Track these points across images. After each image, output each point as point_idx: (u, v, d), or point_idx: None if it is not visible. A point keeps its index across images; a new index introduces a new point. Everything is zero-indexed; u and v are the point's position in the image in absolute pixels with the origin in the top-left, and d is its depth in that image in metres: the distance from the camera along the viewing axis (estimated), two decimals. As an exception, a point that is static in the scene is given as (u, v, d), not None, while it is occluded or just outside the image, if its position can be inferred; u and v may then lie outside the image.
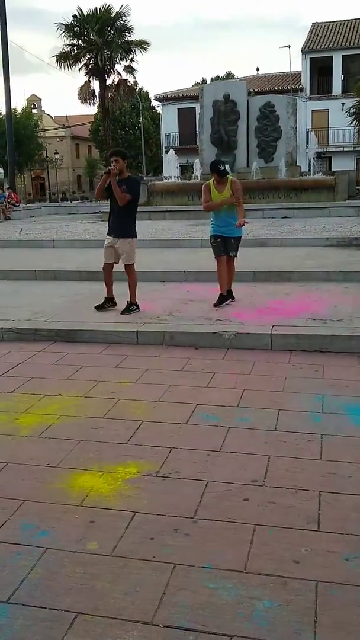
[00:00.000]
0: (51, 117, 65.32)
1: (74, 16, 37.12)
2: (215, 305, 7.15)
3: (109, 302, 7.36)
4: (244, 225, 7.15)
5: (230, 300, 7.37)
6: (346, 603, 2.38)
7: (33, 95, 65.90)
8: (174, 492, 3.25)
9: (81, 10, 37.02)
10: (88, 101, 38.69)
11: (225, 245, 7.33)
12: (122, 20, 37.50)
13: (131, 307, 7.16)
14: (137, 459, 3.63)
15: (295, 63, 43.80)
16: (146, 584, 2.52)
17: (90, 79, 38.20)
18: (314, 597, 2.42)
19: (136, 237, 7.40)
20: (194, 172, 23.27)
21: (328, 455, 3.62)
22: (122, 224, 7.21)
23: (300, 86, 42.66)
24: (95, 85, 38.29)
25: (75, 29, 37.15)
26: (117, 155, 7.12)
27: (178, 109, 45.61)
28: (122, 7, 37.43)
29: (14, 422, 4.27)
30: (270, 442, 3.81)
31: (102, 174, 7.27)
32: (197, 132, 24.55)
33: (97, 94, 38.51)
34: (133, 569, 2.62)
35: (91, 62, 37.33)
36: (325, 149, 39.97)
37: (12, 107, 31.69)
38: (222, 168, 7.28)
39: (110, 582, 2.55)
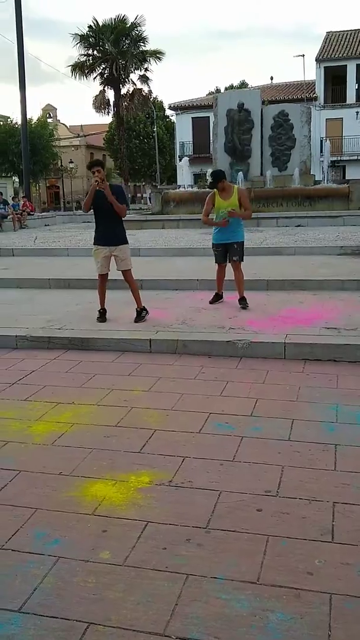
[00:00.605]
0: (66, 126, 65.83)
1: (90, 27, 37.52)
2: (210, 301, 7.84)
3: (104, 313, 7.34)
4: (231, 216, 7.29)
5: (221, 300, 7.90)
6: (361, 616, 2.35)
7: (48, 104, 66.52)
8: (187, 501, 3.23)
9: (96, 21, 37.44)
10: (103, 110, 39.04)
11: (227, 252, 7.61)
12: (137, 30, 37.87)
13: (142, 312, 7.19)
14: (150, 468, 3.62)
15: (310, 72, 43.98)
16: (159, 595, 2.51)
17: (105, 88, 38.56)
18: (328, 609, 2.39)
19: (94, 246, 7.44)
20: (208, 180, 23.33)
21: (342, 465, 3.58)
22: (117, 231, 7.21)
23: (315, 95, 42.69)
24: (110, 94, 38.68)
25: (90, 39, 37.55)
26: (98, 166, 7.09)
27: (192, 118, 45.78)
28: (137, 17, 37.86)
29: (27, 430, 4.28)
30: (283, 452, 3.78)
31: (90, 188, 7.18)
32: (211, 141, 24.65)
33: (111, 103, 38.85)
34: (145, 579, 2.61)
35: (106, 71, 37.68)
36: (339, 158, 39.94)
37: (28, 116, 31.99)
38: (210, 180, 7.62)
39: (123, 592, 2.53)
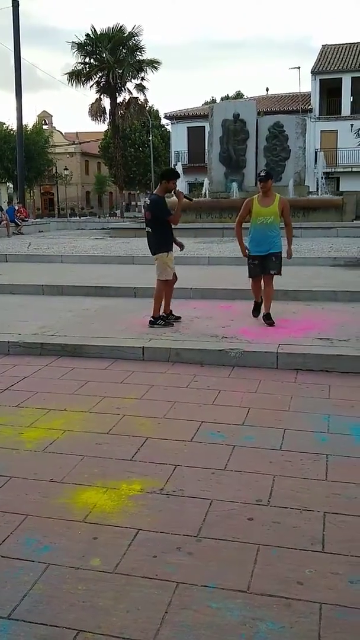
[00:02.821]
0: (61, 133, 66.06)
1: (87, 35, 37.72)
2: (254, 314, 7.32)
3: (171, 317, 7.47)
4: (290, 258, 7.03)
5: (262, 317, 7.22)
6: (351, 626, 2.36)
7: (44, 111, 66.77)
8: (178, 510, 3.23)
9: (94, 29, 37.61)
10: (99, 118, 39.18)
11: (264, 264, 7.07)
12: (134, 39, 38.08)
13: (157, 321, 7.28)
14: (142, 475, 3.62)
15: (305, 84, 44.42)
16: (148, 602, 2.50)
17: (102, 96, 38.71)
18: (317, 619, 2.39)
19: (164, 253, 7.37)
20: (203, 190, 23.42)
21: (333, 475, 3.59)
22: (151, 242, 7.40)
23: (310, 107, 43.05)
24: (106, 102, 38.83)
25: (87, 47, 37.73)
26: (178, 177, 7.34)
27: (187, 127, 46.02)
28: (135, 27, 38.07)
29: (18, 436, 4.27)
30: (275, 462, 3.79)
31: (178, 198, 7.27)
32: (206, 151, 24.77)
33: (107, 111, 39.01)
34: (135, 586, 2.61)
35: (103, 80, 37.85)
36: (333, 169, 40.22)
37: (23, 123, 32.07)
38: (263, 174, 7.12)
39: (113, 599, 2.53)
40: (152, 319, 7.26)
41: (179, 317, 7.46)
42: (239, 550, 2.85)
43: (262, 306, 7.27)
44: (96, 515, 3.19)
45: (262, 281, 7.22)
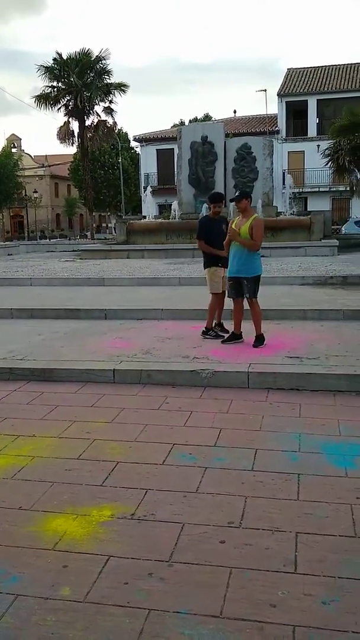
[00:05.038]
0: (31, 156, 65.99)
1: (54, 59, 37.85)
2: (222, 341, 7.27)
3: (217, 328, 7.78)
4: (232, 238, 7.04)
5: (240, 340, 7.21)
6: (324, 648, 2.34)
7: (13, 134, 66.72)
8: (150, 535, 3.20)
9: (60, 55, 37.77)
10: (67, 141, 39.18)
11: (238, 287, 7.14)
12: (101, 63, 38.30)
13: (209, 332, 7.62)
14: (112, 501, 3.58)
15: (272, 106, 45.09)
16: (120, 632, 2.46)
17: (70, 119, 38.76)
18: (291, 642, 2.37)
19: (213, 267, 7.74)
20: (172, 212, 23.58)
21: (305, 495, 3.60)
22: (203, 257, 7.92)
23: (277, 128, 43.79)
24: (75, 125, 38.87)
25: (55, 71, 37.82)
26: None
27: (157, 149, 46.38)
28: (102, 50, 38.32)
29: (-14, 464, 4.19)
30: (247, 483, 3.78)
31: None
32: (176, 173, 24.97)
33: (76, 134, 39.04)
34: (106, 615, 2.56)
35: (71, 103, 37.93)
36: (301, 190, 40.82)
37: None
38: (237, 194, 7.26)
39: (83, 630, 2.48)
40: (204, 329, 7.62)
41: (227, 331, 7.54)
42: (212, 574, 2.83)
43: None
44: (66, 543, 3.13)
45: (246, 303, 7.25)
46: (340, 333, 7.72)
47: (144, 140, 47.55)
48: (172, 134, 40.91)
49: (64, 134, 38.76)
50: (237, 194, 7.28)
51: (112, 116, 39.54)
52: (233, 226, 7.10)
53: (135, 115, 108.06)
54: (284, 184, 35.21)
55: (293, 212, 26.32)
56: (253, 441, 4.46)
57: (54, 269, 16.29)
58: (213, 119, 54.06)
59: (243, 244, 6.99)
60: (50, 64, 37.68)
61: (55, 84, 38.15)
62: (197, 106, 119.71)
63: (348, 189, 34.25)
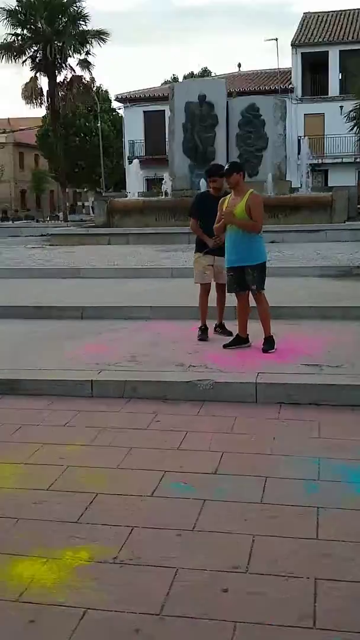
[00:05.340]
0: (-11, 119, 65.90)
1: (18, 0, 37.82)
2: (224, 345, 7.24)
3: (218, 329, 7.96)
4: (217, 244, 7.19)
5: (249, 344, 7.22)
6: None
7: (-33, 93, 66.57)
8: (135, 582, 3.21)
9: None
10: (34, 101, 39.22)
11: (241, 278, 7.10)
12: (76, 6, 38.42)
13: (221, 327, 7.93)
14: (90, 541, 3.59)
15: (285, 59, 45.22)
16: None
17: (38, 74, 38.84)
18: None
19: (196, 253, 7.91)
20: (163, 187, 23.61)
21: (325, 533, 3.61)
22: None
23: (291, 86, 43.92)
24: (44, 82, 38.96)
25: (19, 15, 37.83)
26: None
27: (144, 111, 46.48)
28: (77, -10, 38.34)
29: None
30: (254, 518, 3.79)
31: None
32: (167, 140, 24.99)
33: (45, 92, 39.10)
34: None
35: (39, 54, 38.01)
36: (320, 161, 40.95)
37: None
38: (227, 166, 7.31)
39: None
40: (216, 325, 7.95)
41: (231, 333, 7.56)
42: (211, 630, 2.84)
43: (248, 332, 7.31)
44: (34, 593, 3.14)
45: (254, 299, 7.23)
46: (367, 335, 7.76)
47: (129, 100, 47.61)
48: (162, 92, 41.02)
49: (31, 92, 38.80)
50: (227, 166, 7.32)
51: (90, 71, 39.75)
52: (225, 207, 7.05)
53: (118, 70, 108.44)
54: (299, 153, 35.32)
55: (310, 187, 26.40)
56: (262, 468, 4.48)
57: (18, 258, 16.29)
58: (213, 74, 54.24)
59: (242, 226, 6.97)
60: (12, 7, 37.68)
61: (19, 31, 38.21)
62: (193, 59, 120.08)
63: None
